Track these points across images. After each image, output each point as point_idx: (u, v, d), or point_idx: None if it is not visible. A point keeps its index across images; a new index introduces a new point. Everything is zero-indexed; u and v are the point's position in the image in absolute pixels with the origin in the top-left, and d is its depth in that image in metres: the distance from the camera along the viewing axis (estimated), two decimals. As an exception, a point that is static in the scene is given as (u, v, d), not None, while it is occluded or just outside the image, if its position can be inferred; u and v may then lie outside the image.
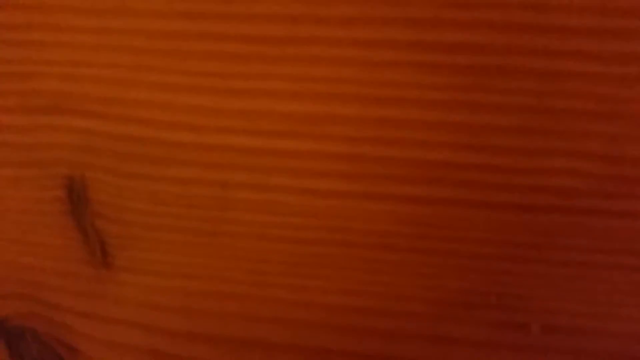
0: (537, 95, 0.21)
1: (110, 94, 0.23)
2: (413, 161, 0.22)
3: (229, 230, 0.24)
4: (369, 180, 0.23)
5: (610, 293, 0.22)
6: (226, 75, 0.22)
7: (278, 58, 0.22)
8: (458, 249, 0.23)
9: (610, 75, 0.20)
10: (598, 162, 0.21)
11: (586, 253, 0.22)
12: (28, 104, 0.24)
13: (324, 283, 0.24)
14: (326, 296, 0.24)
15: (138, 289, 0.25)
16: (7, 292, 0.27)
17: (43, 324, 0.27)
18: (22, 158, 0.25)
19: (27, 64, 0.24)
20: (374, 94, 0.22)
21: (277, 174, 0.23)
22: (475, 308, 0.23)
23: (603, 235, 0.22)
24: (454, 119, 0.21)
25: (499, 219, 0.22)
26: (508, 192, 0.22)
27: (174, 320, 0.25)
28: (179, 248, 0.24)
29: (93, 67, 0.23)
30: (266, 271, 0.24)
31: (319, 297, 0.24)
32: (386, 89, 0.22)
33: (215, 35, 0.22)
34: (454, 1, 0.20)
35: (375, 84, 0.22)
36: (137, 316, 0.26)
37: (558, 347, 0.23)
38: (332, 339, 0.24)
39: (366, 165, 0.22)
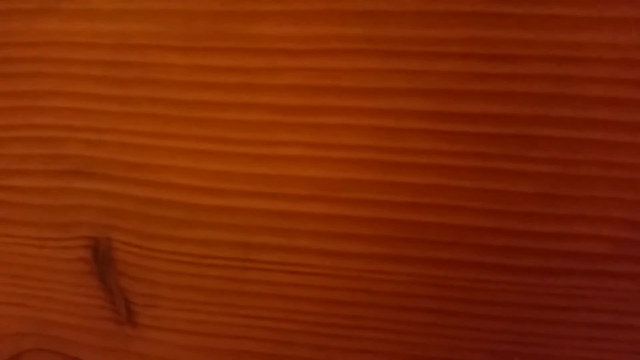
0: (561, 164, 0.21)
1: (135, 160, 0.24)
2: (435, 225, 0.22)
3: (251, 290, 0.24)
4: (390, 243, 0.23)
5: (633, 354, 0.22)
6: (248, 142, 0.23)
7: (301, 126, 0.22)
8: (480, 310, 0.23)
9: (634, 144, 0.20)
10: (620, 227, 0.21)
11: (609, 315, 0.22)
12: (52, 167, 0.25)
13: (346, 343, 0.24)
14: (348, 356, 0.24)
15: (162, 347, 0.26)
16: (32, 348, 0.27)
17: (68, 376, 0.27)
18: (47, 219, 0.25)
19: (52, 129, 0.24)
20: (395, 161, 0.22)
21: (299, 237, 0.23)
22: (497, 368, 0.23)
23: (625, 297, 0.22)
24: (476, 185, 0.22)
25: (521, 282, 0.22)
26: (531, 257, 0.22)
27: (198, 375, 0.26)
28: (202, 307, 0.25)
29: (117, 133, 0.24)
30: (289, 330, 0.24)
31: (342, 357, 0.24)
32: (407, 156, 0.22)
33: (238, 104, 0.22)
34: (476, 72, 0.21)
35: (396, 151, 0.22)
36: (161, 371, 0.26)
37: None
38: (355, 395, 0.25)
39: (387, 228, 0.23)
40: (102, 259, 0.25)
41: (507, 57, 0.20)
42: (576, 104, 0.20)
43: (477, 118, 0.21)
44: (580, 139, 0.21)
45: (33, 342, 0.27)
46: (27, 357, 0.27)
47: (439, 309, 0.23)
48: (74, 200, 0.25)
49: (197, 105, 0.23)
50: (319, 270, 0.23)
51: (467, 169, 0.21)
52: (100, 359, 0.26)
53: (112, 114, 0.23)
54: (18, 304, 0.27)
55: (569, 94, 0.20)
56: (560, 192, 0.21)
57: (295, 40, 0.22)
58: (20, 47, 0.24)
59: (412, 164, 0.22)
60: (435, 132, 0.21)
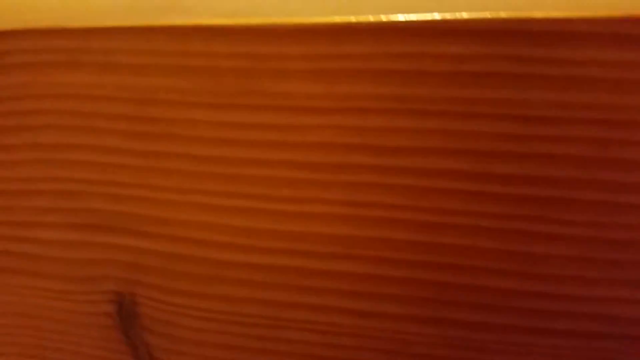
0: (596, 227, 0.20)
1: (159, 215, 0.23)
2: (466, 287, 0.22)
3: (279, 349, 0.24)
4: (421, 304, 0.22)
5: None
6: (277, 199, 0.22)
7: (329, 183, 0.22)
8: (513, 371, 0.22)
9: (672, 207, 0.20)
10: (657, 289, 0.21)
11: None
12: (75, 221, 0.24)
13: (375, 401, 0.24)
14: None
15: (186, 401, 0.25)
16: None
17: None
18: (71, 272, 0.25)
19: (74, 182, 0.24)
20: (427, 220, 0.21)
21: (330, 295, 0.23)
22: None
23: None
24: (510, 247, 0.21)
25: (552, 345, 0.22)
26: (563, 319, 0.21)
27: None
28: (227, 362, 0.24)
29: (141, 188, 0.23)
30: (316, 387, 0.24)
31: (370, 414, 0.24)
32: (439, 216, 0.21)
33: (265, 161, 0.22)
34: (510, 133, 0.20)
35: (428, 210, 0.21)
36: None
37: None
38: None
39: (418, 289, 0.22)
40: (126, 313, 0.24)
41: (543, 118, 0.20)
42: (613, 167, 0.20)
43: (512, 179, 0.20)
44: (616, 203, 0.20)
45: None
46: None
47: (471, 369, 0.23)
48: (97, 254, 0.24)
49: (224, 161, 0.22)
50: (349, 330, 0.23)
51: (501, 230, 0.21)
52: (123, 412, 0.26)
53: (137, 169, 0.23)
54: (39, 356, 0.26)
55: (606, 157, 0.20)
56: (595, 255, 0.21)
57: (324, 98, 0.21)
58: (43, 99, 0.24)
59: (444, 224, 0.21)
60: (468, 193, 0.21)
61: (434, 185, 0.21)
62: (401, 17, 0.20)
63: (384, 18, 0.20)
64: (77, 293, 0.25)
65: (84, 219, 0.24)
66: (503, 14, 0.20)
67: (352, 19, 0.21)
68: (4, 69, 0.24)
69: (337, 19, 0.21)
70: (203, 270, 0.23)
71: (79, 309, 0.25)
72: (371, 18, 0.21)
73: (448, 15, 0.20)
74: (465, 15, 0.20)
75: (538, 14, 0.20)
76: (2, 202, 0.25)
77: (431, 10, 0.23)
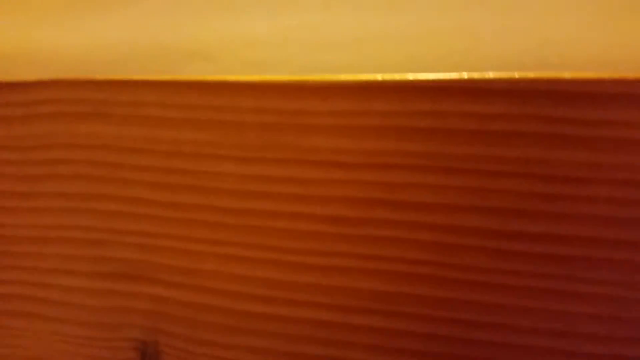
0: (622, 286, 0.20)
1: (185, 265, 0.23)
2: (492, 345, 0.22)
3: (301, 400, 0.24)
4: None
5: None
6: (299, 251, 0.22)
7: (354, 237, 0.22)
8: None
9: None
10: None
11: None
12: (101, 269, 0.24)
13: None
14: None
15: None
16: None
17: None
18: (95, 319, 0.25)
19: (99, 231, 0.24)
20: (452, 277, 0.21)
21: (351, 349, 0.23)
22: None
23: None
24: (536, 305, 0.21)
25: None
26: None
27: None
28: (249, 412, 0.24)
29: (167, 238, 0.23)
30: None
31: None
32: (464, 273, 0.21)
33: (291, 214, 0.22)
34: (537, 192, 0.20)
35: (454, 267, 0.21)
36: None
37: None
38: None
39: (442, 345, 0.22)
40: (149, 361, 0.25)
41: (570, 178, 0.20)
42: (639, 226, 0.20)
43: (538, 238, 0.20)
44: (644, 262, 0.20)
45: None
46: None
47: None
48: (122, 302, 0.24)
49: (249, 214, 0.23)
50: (372, 384, 0.23)
51: (526, 288, 0.21)
52: None
53: (163, 219, 0.23)
54: (62, 401, 0.26)
55: (631, 217, 0.20)
56: (622, 314, 0.20)
57: (351, 154, 0.21)
58: (70, 149, 0.24)
59: (470, 281, 0.21)
60: (494, 251, 0.21)
61: (458, 242, 0.21)
62: (428, 76, 0.20)
63: (410, 77, 0.20)
64: (101, 340, 0.25)
65: (110, 267, 0.24)
66: (531, 74, 0.20)
67: (379, 77, 0.21)
68: (34, 119, 0.24)
69: (363, 76, 0.21)
70: (226, 320, 0.24)
71: (103, 356, 0.25)
72: (397, 76, 0.21)
73: (475, 75, 0.20)
74: (492, 74, 0.20)
75: (566, 74, 0.20)
76: (29, 249, 0.25)
77: (458, 69, 0.23)
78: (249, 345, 0.24)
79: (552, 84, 0.19)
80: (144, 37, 0.26)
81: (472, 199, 0.21)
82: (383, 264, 0.22)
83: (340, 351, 0.23)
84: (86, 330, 0.25)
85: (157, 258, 0.24)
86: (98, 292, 0.25)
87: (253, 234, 0.23)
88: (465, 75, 0.20)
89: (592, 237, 0.20)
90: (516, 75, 0.20)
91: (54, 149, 0.24)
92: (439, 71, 0.23)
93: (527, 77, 0.20)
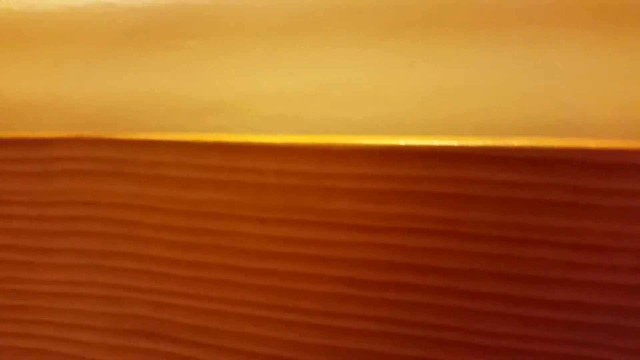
0: (649, 354, 0.20)
1: (203, 324, 0.23)
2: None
3: None
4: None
5: None
6: (320, 314, 0.22)
7: (376, 300, 0.22)
8: None
9: None
10: None
11: None
12: (118, 326, 0.24)
13: None
14: None
15: None
16: None
17: None
18: (112, 375, 0.25)
19: (117, 288, 0.24)
20: (476, 343, 0.21)
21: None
22: None
23: None
24: (560, 371, 0.21)
25: None
26: None
27: None
28: None
29: (185, 297, 0.23)
30: None
31: None
32: (486, 339, 0.21)
33: (312, 275, 0.22)
34: (562, 260, 0.20)
35: (478, 333, 0.21)
36: None
37: None
38: None
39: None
40: (166, 418, 0.24)
41: (594, 247, 0.20)
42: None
43: (562, 305, 0.20)
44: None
45: None
46: None
47: None
48: (139, 359, 0.24)
49: (269, 274, 0.22)
50: None
51: (553, 355, 0.21)
52: None
53: (181, 278, 0.23)
54: None
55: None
56: (649, 382, 0.20)
57: (373, 217, 0.21)
58: (90, 207, 0.24)
59: (494, 347, 0.21)
60: (518, 317, 0.21)
61: (482, 308, 0.21)
62: (452, 142, 0.20)
63: (435, 142, 0.20)
64: (118, 395, 0.25)
65: (127, 324, 0.24)
66: (556, 142, 0.20)
67: (402, 142, 0.21)
68: (53, 175, 0.24)
69: (386, 139, 0.21)
70: (245, 380, 0.23)
71: (120, 411, 0.25)
72: (420, 141, 0.21)
73: (500, 142, 0.20)
74: (516, 142, 0.20)
75: (592, 143, 0.19)
76: (47, 304, 0.25)
77: (477, 128, 0.23)
78: (268, 405, 0.23)
79: (578, 154, 0.19)
80: (162, 91, 0.26)
81: (495, 265, 0.20)
82: (405, 328, 0.22)
83: (361, 413, 0.23)
84: (103, 386, 0.25)
85: (175, 317, 0.24)
86: (116, 349, 0.25)
87: (272, 295, 0.23)
88: (489, 142, 0.20)
89: (615, 305, 0.20)
90: (541, 143, 0.20)
91: (73, 206, 0.24)
92: (458, 132, 0.23)
93: (553, 147, 0.20)
